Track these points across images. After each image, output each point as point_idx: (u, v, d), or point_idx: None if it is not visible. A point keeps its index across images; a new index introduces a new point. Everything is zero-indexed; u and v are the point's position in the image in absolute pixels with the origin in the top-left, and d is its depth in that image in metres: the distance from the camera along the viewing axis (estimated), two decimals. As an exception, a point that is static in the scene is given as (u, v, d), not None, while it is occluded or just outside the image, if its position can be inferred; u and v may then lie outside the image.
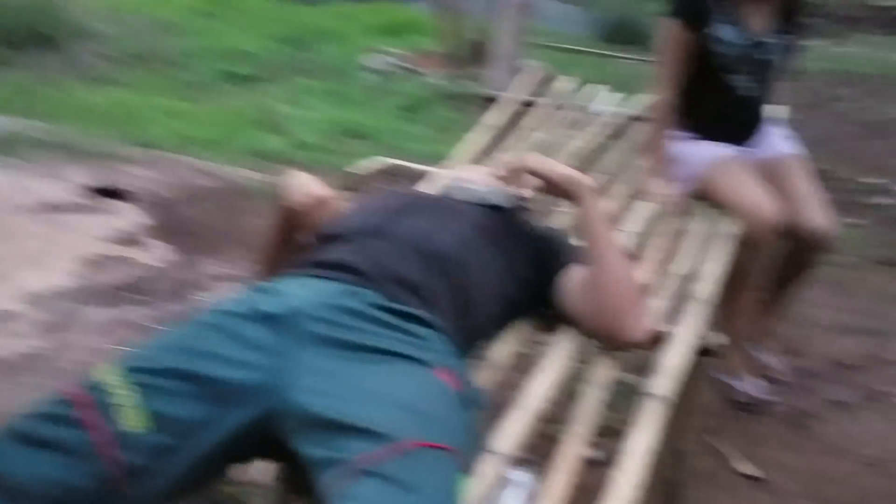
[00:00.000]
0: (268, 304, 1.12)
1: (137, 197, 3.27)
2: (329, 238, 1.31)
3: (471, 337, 1.26)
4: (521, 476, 1.06)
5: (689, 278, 1.69)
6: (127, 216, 3.08)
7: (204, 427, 0.99)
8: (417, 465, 0.87)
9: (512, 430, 1.14)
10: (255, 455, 1.07)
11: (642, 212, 2.01)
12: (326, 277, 1.19)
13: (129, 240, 2.88)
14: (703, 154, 2.10)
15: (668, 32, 2.02)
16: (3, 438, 0.92)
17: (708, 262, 1.75)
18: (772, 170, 2.12)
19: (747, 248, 1.94)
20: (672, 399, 1.23)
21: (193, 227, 3.08)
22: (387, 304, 1.15)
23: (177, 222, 3.10)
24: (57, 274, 2.55)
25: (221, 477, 1.07)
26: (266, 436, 1.02)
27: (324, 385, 1.00)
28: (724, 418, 2.21)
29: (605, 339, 1.33)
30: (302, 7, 8.83)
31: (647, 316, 1.35)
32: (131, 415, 0.96)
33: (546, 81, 3.19)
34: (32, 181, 3.32)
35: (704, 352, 1.45)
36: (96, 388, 0.98)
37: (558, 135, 2.60)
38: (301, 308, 1.10)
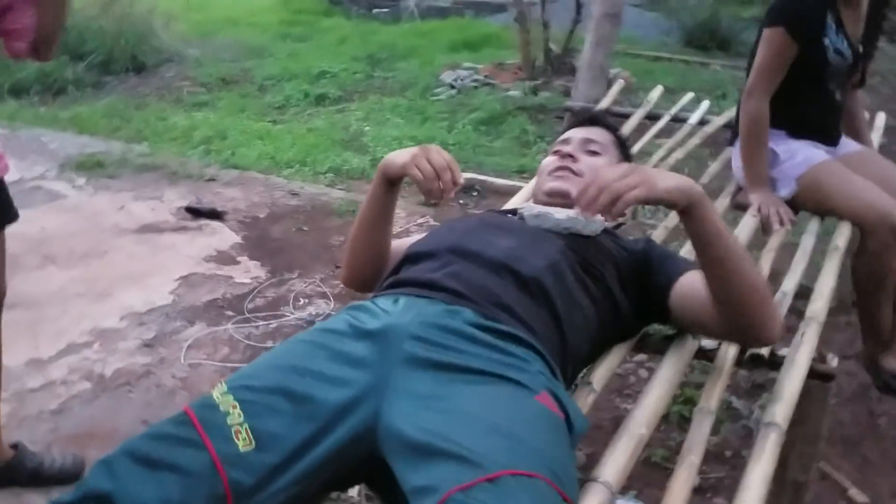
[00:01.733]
0: (369, 323, 1.12)
1: (230, 217, 3.37)
2: (422, 257, 1.30)
3: (568, 360, 1.21)
4: (628, 501, 1.01)
5: (799, 295, 1.60)
6: (219, 234, 3.17)
7: (308, 446, 0.99)
8: (507, 495, 0.84)
9: (618, 458, 1.09)
10: (355, 474, 1.06)
11: (743, 225, 1.93)
12: (424, 296, 1.18)
13: (222, 258, 2.97)
14: (801, 158, 2.01)
15: (772, 43, 1.92)
16: (122, 459, 0.94)
17: (820, 277, 1.65)
18: (857, 164, 2.04)
19: (868, 248, 1.88)
20: (786, 427, 1.16)
21: (281, 245, 3.15)
22: (485, 322, 1.12)
23: (266, 241, 3.17)
24: (156, 292, 2.64)
25: (323, 498, 1.06)
26: (366, 454, 1.01)
27: (420, 408, 0.98)
28: (839, 443, 2.09)
29: (742, 340, 1.30)
30: (383, 27, 9.00)
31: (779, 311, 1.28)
32: (242, 436, 0.97)
33: (633, 91, 3.13)
34: (131, 203, 3.47)
35: (822, 376, 1.37)
36: (209, 407, 1.00)
37: (651, 145, 2.53)
38: (402, 326, 1.09)
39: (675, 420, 2.07)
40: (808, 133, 2.06)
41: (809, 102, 2.02)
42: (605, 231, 1.42)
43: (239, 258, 2.99)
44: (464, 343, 1.08)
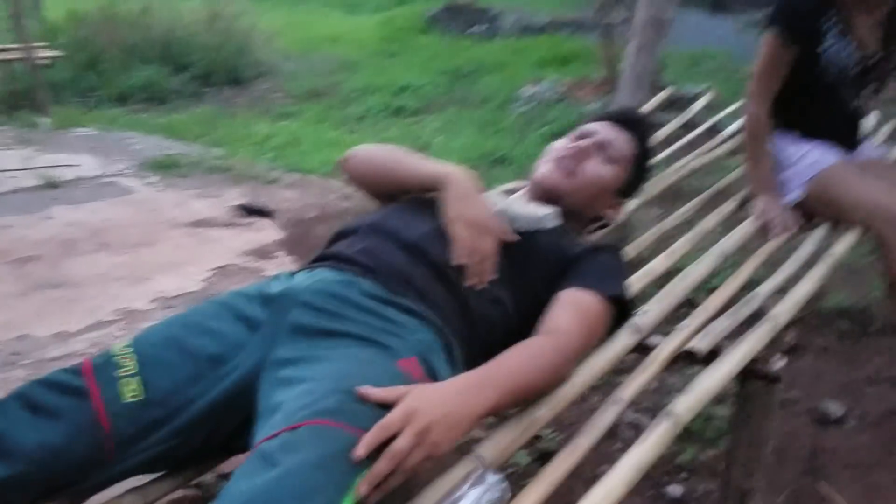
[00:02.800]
0: (273, 288, 1.15)
1: (279, 216, 3.50)
2: (345, 233, 1.32)
3: (475, 344, 1.19)
4: (495, 479, 0.98)
5: (775, 299, 1.50)
6: (264, 231, 3.30)
7: (192, 399, 1.03)
8: (295, 444, 0.83)
9: (500, 437, 1.07)
10: (231, 440, 1.08)
11: (739, 229, 1.83)
12: (333, 268, 1.20)
13: (260, 252, 3.09)
14: (811, 160, 1.89)
15: (767, 46, 1.83)
16: (13, 402, 0.99)
17: (800, 282, 1.54)
18: (873, 169, 1.90)
19: (886, 256, 1.78)
20: (685, 418, 1.08)
21: (320, 244, 3.23)
22: (381, 294, 1.13)
23: (307, 239, 3.27)
24: (189, 279, 2.78)
25: (194, 461, 1.09)
26: (242, 418, 1.03)
27: (283, 372, 1.00)
28: (850, 468, 1.92)
29: None
30: (477, 44, 9.11)
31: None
32: (129, 386, 1.02)
33: (679, 100, 3.04)
34: (193, 200, 3.68)
35: (768, 378, 1.28)
36: (106, 358, 1.05)
37: (676, 153, 2.45)
38: (295, 292, 1.12)
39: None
40: (821, 136, 1.94)
41: (820, 106, 1.91)
42: (562, 228, 1.39)
43: (276, 254, 3.10)
44: (349, 310, 1.10)
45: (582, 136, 1.47)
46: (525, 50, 8.39)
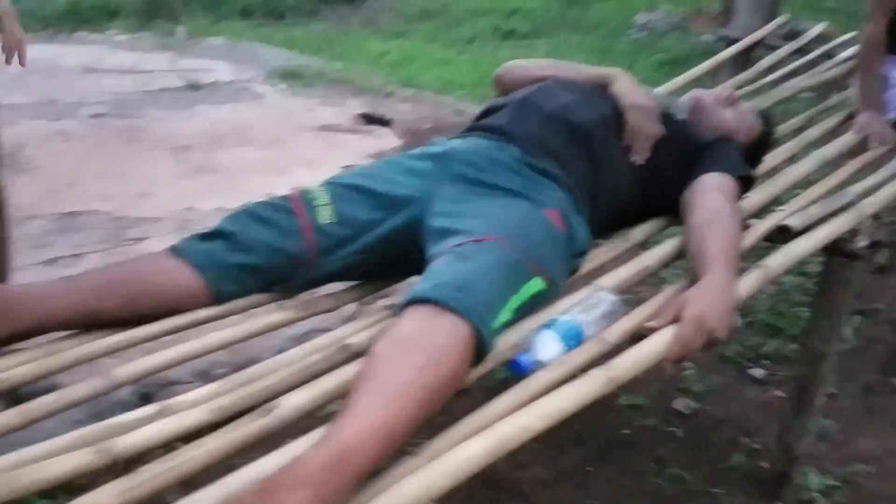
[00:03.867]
0: (434, 149, 1.42)
1: (396, 125, 3.78)
2: (493, 109, 1.57)
3: (599, 199, 1.43)
4: (607, 295, 1.23)
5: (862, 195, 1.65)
6: (384, 138, 3.60)
7: (371, 226, 1.33)
8: (481, 250, 1.11)
9: (619, 272, 1.31)
10: (401, 261, 1.36)
11: (840, 140, 1.96)
12: (484, 136, 1.46)
13: (380, 155, 3.38)
14: None
15: None
16: (242, 214, 1.33)
17: (892, 183, 1.68)
18: None
19: None
20: (776, 269, 1.30)
21: (436, 149, 3.50)
22: (524, 157, 1.38)
23: (421, 144, 3.54)
24: (322, 173, 3.07)
25: (379, 273, 1.39)
26: (410, 243, 1.31)
27: (449, 207, 1.28)
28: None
29: None
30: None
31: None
32: (325, 211, 1.32)
33: (795, 32, 3.09)
34: (319, 107, 4.00)
35: (849, 255, 1.46)
36: (306, 192, 1.36)
37: (783, 76, 2.55)
38: (456, 152, 1.39)
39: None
40: None
41: None
42: (688, 122, 1.62)
43: (395, 156, 3.39)
44: (500, 169, 1.35)
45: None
46: (637, -23, 8.24)
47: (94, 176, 2.82)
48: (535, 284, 1.17)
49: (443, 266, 1.11)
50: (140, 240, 2.37)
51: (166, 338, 1.20)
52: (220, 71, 4.47)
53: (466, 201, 1.29)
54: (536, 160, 1.38)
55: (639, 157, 1.49)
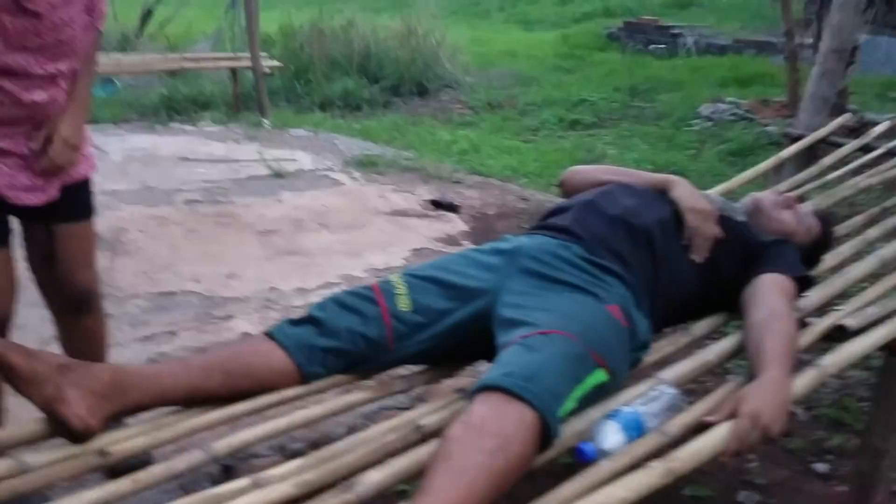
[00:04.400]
0: (503, 245, 1.55)
1: (464, 211, 3.95)
2: (559, 210, 1.69)
3: (658, 297, 1.52)
4: (669, 389, 1.30)
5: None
6: (452, 223, 3.76)
7: (444, 315, 1.45)
8: (548, 341, 1.21)
9: (681, 366, 1.39)
10: (472, 348, 1.47)
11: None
12: (550, 235, 1.58)
13: (448, 239, 3.54)
14: None
15: None
16: (330, 302, 1.47)
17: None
18: None
19: None
20: (832, 370, 1.34)
21: (500, 235, 3.64)
22: (588, 256, 1.49)
23: (489, 232, 3.68)
24: (393, 257, 3.27)
25: (446, 357, 1.50)
26: (481, 331, 1.42)
27: (517, 300, 1.39)
28: None
29: None
30: (656, 61, 9.21)
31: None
32: (403, 301, 1.45)
33: (860, 126, 3.15)
34: (392, 193, 4.21)
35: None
36: (386, 283, 1.50)
37: (844, 171, 2.61)
38: (525, 248, 1.52)
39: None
40: None
41: None
42: (747, 224, 1.71)
43: (463, 242, 3.54)
44: (565, 266, 1.47)
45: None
46: (705, 69, 8.39)
47: (188, 258, 3.05)
48: (599, 376, 1.26)
49: (512, 356, 1.21)
50: (228, 318, 2.55)
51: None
52: (302, 160, 4.76)
53: (534, 294, 1.40)
54: (599, 258, 1.49)
55: (698, 256, 1.58)
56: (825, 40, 3.23)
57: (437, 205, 3.99)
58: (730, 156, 5.27)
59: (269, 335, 1.39)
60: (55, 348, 2.32)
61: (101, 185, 3.93)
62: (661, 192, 1.67)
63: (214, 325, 2.50)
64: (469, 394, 1.19)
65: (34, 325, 2.43)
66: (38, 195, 1.62)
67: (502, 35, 11.37)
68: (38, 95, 1.58)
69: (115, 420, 1.26)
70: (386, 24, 8.24)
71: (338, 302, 1.45)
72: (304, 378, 1.37)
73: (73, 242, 1.71)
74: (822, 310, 1.67)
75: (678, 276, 1.57)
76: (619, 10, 12.49)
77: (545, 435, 1.13)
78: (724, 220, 1.65)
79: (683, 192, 1.65)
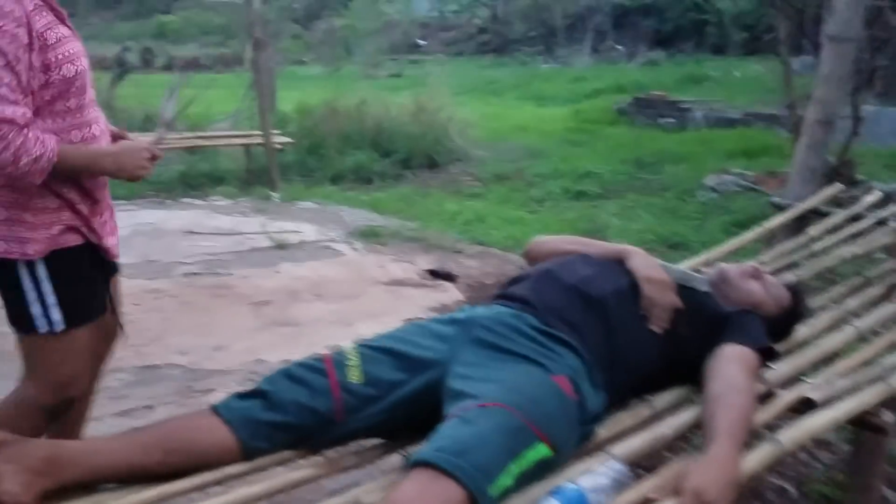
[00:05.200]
0: (459, 315, 1.54)
1: (461, 280, 3.95)
2: (519, 279, 1.69)
3: (617, 369, 1.49)
4: (616, 465, 1.26)
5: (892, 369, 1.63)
6: (448, 292, 3.76)
7: (395, 386, 1.43)
8: (486, 414, 1.18)
9: (634, 440, 1.35)
10: (425, 421, 1.44)
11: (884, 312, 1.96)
12: (505, 304, 1.57)
13: (443, 309, 3.52)
14: None
15: None
16: (278, 375, 1.46)
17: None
18: None
19: None
20: (785, 448, 1.29)
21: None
22: (541, 326, 1.48)
23: (484, 299, 3.67)
24: (385, 326, 3.22)
25: (397, 430, 1.47)
26: (433, 404, 1.39)
27: (465, 370, 1.37)
28: None
29: None
30: (665, 135, 9.31)
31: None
32: (354, 372, 1.44)
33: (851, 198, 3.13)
34: (391, 263, 4.23)
35: (876, 429, 1.44)
36: (339, 354, 1.49)
37: (832, 241, 2.58)
38: (477, 318, 1.50)
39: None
40: None
41: None
42: (711, 294, 1.69)
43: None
44: (515, 335, 1.45)
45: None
46: (713, 141, 8.46)
47: (178, 330, 3.07)
48: (540, 450, 1.23)
49: (447, 429, 1.19)
50: (208, 391, 2.55)
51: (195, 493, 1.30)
52: (306, 231, 4.83)
53: (481, 365, 1.38)
54: (552, 328, 1.47)
55: (656, 326, 1.56)
56: (810, 112, 3.25)
57: (435, 274, 4.00)
58: (734, 226, 5.23)
59: (214, 409, 1.38)
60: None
61: (104, 258, 4.06)
62: (619, 262, 1.66)
63: (194, 398, 2.49)
64: (404, 468, 1.17)
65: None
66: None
67: (515, 111, 11.59)
68: None
69: (51, 497, 1.25)
70: (398, 100, 8.47)
71: (286, 374, 1.44)
72: (248, 454, 1.35)
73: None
74: (793, 382, 1.63)
75: (636, 347, 1.54)
76: (631, 87, 12.69)
77: None
78: (685, 291, 1.63)
79: (639, 262, 1.64)
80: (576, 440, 1.35)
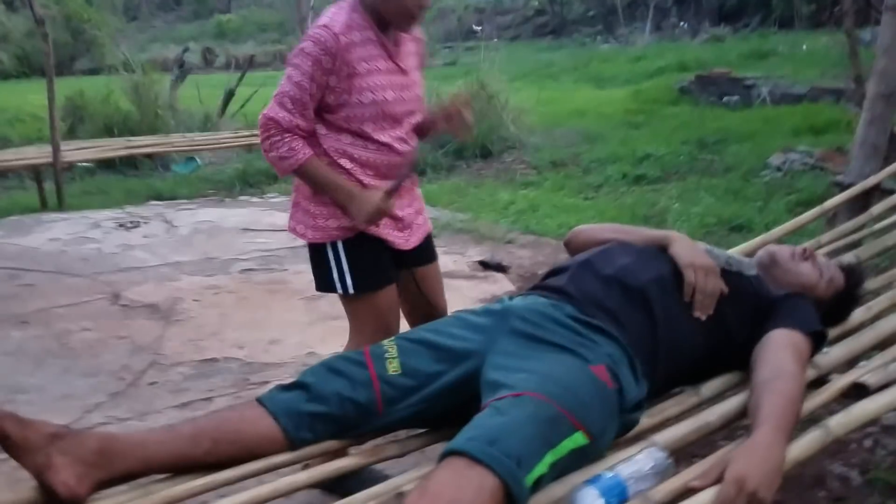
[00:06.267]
0: (496, 306, 1.54)
1: (513, 271, 3.93)
2: (557, 270, 1.67)
3: (659, 358, 1.46)
4: (657, 452, 1.24)
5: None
6: (499, 283, 3.74)
7: (434, 377, 1.44)
8: (520, 404, 1.17)
9: (677, 428, 1.32)
10: (462, 411, 1.44)
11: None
12: (543, 295, 1.55)
13: (493, 300, 3.50)
14: None
15: None
16: (319, 367, 1.49)
17: None
18: None
19: None
20: (835, 432, 1.25)
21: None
22: (579, 315, 1.46)
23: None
24: (437, 320, 3.28)
25: (437, 420, 1.48)
26: (471, 394, 1.39)
27: (502, 361, 1.37)
28: None
29: None
30: (728, 113, 9.03)
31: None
32: (392, 364, 1.45)
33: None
34: (443, 256, 4.22)
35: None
36: (378, 346, 1.51)
37: (892, 220, 2.46)
38: (514, 308, 1.50)
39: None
40: None
41: None
42: (759, 277, 1.64)
43: (510, 302, 3.51)
44: (553, 325, 1.44)
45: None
46: (778, 119, 8.16)
47: (236, 325, 3.16)
48: (577, 439, 1.21)
49: (481, 419, 1.19)
50: (264, 383, 2.61)
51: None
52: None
53: (518, 355, 1.37)
54: (590, 317, 1.45)
55: (701, 313, 1.52)
56: (871, 86, 3.09)
57: (486, 265, 3.99)
58: (798, 206, 5.05)
59: (259, 401, 1.42)
60: (97, 416, 2.44)
61: (166, 257, 4.20)
62: (661, 249, 1.63)
63: (250, 390, 2.55)
64: (438, 458, 1.17)
65: (81, 394, 2.57)
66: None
67: (572, 94, 11.42)
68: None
69: (104, 487, 1.30)
70: (451, 90, 8.45)
71: (327, 367, 1.47)
72: (292, 444, 1.38)
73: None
74: (848, 367, 1.57)
75: (681, 335, 1.50)
76: (693, 65, 12.33)
77: (511, 501, 1.09)
78: (731, 275, 1.58)
79: (681, 247, 1.59)
80: (616, 429, 1.33)
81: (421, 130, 1.97)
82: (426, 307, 2.10)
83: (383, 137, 1.85)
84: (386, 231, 1.90)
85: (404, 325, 2.07)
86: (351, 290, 1.95)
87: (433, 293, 2.15)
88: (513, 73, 10.42)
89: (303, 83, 1.75)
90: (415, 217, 2.05)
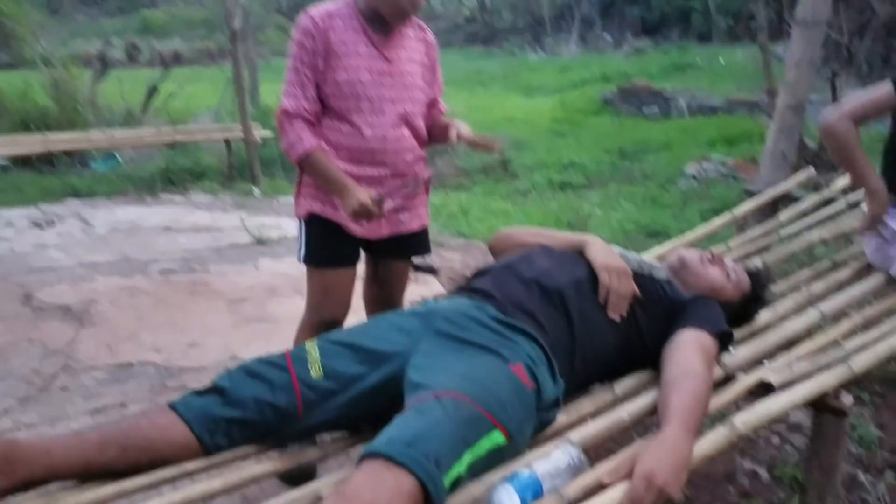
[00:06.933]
0: (420, 308, 1.54)
1: (443, 273, 3.95)
2: (482, 272, 1.69)
3: (576, 357, 1.50)
4: (573, 451, 1.26)
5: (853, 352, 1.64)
6: (428, 285, 3.75)
7: (356, 380, 1.43)
8: (440, 404, 1.18)
9: (591, 426, 1.36)
10: (385, 413, 1.44)
11: (862, 287, 1.97)
12: (468, 296, 1.57)
13: (423, 301, 3.52)
14: None
15: (884, 93, 1.89)
16: (237, 370, 1.45)
17: (887, 340, 1.67)
18: None
19: None
20: (741, 430, 1.30)
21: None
22: (501, 316, 1.48)
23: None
24: (362, 318, 3.25)
25: (361, 423, 1.47)
26: (394, 396, 1.39)
27: (423, 361, 1.37)
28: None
29: None
30: (648, 124, 9.34)
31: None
32: (314, 367, 1.43)
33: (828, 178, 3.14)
34: (372, 258, 4.23)
35: (835, 412, 1.45)
36: (300, 349, 1.48)
37: (801, 226, 2.59)
38: (439, 310, 1.50)
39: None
40: None
41: None
42: (669, 280, 1.70)
43: (437, 305, 3.53)
44: (475, 326, 1.45)
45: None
46: (695, 130, 8.49)
47: (153, 328, 3.06)
48: (495, 438, 1.23)
49: (401, 420, 1.19)
50: (181, 388, 2.54)
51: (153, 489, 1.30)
52: (286, 227, 4.81)
53: (439, 356, 1.38)
54: (510, 318, 1.48)
55: (614, 314, 1.56)
56: (781, 97, 3.26)
57: (417, 268, 3.99)
58: (711, 213, 5.25)
59: (172, 407, 1.38)
60: (6, 422, 2.32)
61: (82, 257, 4.04)
62: (579, 252, 1.67)
63: (166, 396, 2.47)
64: (358, 461, 1.17)
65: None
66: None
67: (502, 102, 11.58)
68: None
69: (6, 494, 1.24)
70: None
71: (246, 370, 1.44)
72: (207, 450, 1.35)
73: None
74: (754, 366, 1.64)
75: (596, 335, 1.54)
76: (616, 76, 12.72)
77: (428, 502, 1.10)
78: (643, 278, 1.63)
79: (597, 251, 1.64)
80: (533, 427, 1.35)
81: (432, 134, 2.09)
82: (385, 299, 2.22)
83: (357, 120, 1.90)
84: (345, 218, 1.97)
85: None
86: (302, 260, 2.14)
87: (391, 289, 2.24)
88: (443, 79, 10.46)
89: (297, 66, 1.88)
90: (391, 213, 2.05)
